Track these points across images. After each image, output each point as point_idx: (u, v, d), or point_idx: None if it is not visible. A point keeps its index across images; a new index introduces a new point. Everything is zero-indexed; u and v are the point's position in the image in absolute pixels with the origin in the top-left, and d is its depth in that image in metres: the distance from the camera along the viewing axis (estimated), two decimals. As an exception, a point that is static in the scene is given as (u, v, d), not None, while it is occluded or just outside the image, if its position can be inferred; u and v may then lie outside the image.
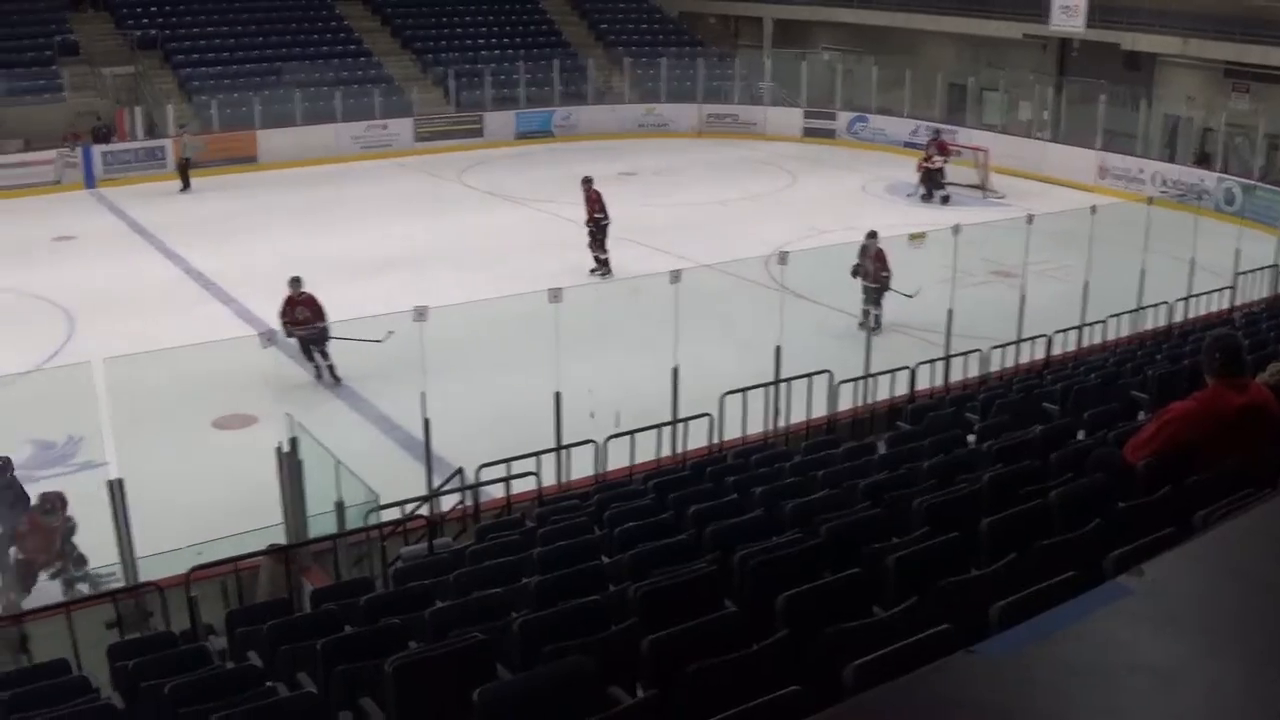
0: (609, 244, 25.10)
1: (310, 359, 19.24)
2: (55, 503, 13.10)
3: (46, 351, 20.97)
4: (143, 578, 11.71)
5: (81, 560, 13.03)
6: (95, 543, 12.66)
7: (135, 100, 39.44)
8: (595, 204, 25.11)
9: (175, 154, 36.84)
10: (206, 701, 6.86)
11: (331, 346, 18.99)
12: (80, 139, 37.48)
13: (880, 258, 20.63)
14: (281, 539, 12.31)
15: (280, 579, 10.99)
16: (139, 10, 42.87)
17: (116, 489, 11.92)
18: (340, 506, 12.55)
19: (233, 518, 12.66)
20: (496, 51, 43.62)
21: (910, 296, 19.61)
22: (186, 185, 35.95)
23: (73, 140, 37.30)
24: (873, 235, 20.88)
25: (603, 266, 25.00)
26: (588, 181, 25.33)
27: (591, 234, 25.15)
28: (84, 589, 12.64)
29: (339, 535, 12.28)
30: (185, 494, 14.67)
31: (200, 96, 39.78)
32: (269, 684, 7.50)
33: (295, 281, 19.76)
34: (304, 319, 19.23)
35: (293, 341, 18.88)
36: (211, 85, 40.12)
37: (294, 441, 12.69)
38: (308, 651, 7.65)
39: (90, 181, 36.68)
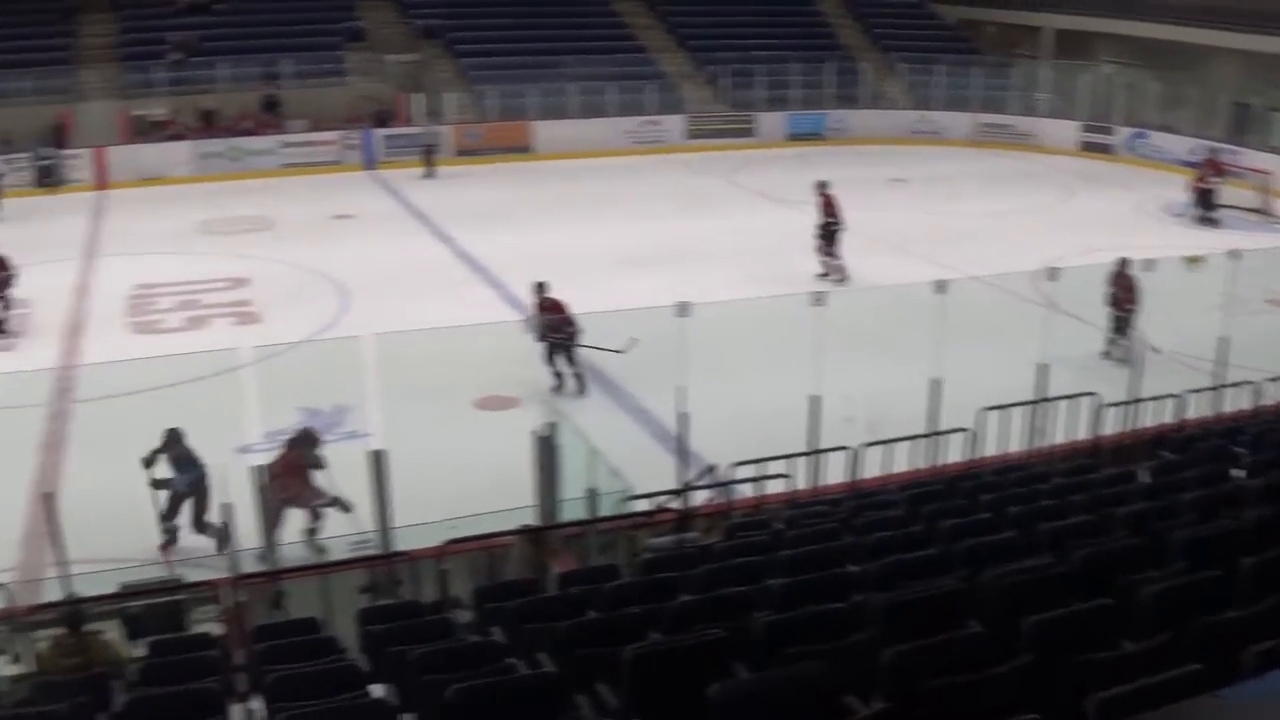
0: (841, 249, 24.79)
1: (551, 364, 18.50)
2: (308, 439, 13.65)
3: (321, 323, 21.78)
4: (397, 547, 12.08)
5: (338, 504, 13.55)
6: (355, 511, 13.11)
7: (416, 87, 40.64)
8: (829, 209, 24.88)
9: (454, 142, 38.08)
10: (448, 671, 7.06)
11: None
12: (362, 122, 38.81)
13: (1129, 286, 19.70)
14: (533, 521, 12.56)
15: (529, 560, 11.21)
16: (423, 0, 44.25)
17: (378, 460, 12.29)
18: (593, 494, 12.71)
19: (487, 496, 12.95)
20: (771, 52, 43.50)
21: (1156, 351, 18.55)
22: (430, 173, 37.09)
23: (355, 123, 38.63)
24: (1123, 262, 19.94)
25: (836, 272, 24.77)
26: (822, 185, 25.11)
27: (821, 239, 24.91)
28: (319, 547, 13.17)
29: (590, 521, 12.45)
30: (443, 469, 15.04)
31: (479, 86, 40.76)
32: (509, 660, 7.66)
33: (540, 286, 18.94)
34: (551, 325, 18.58)
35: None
36: (490, 75, 41.08)
37: (552, 426, 12.91)
38: (550, 632, 7.80)
39: (369, 163, 37.96)
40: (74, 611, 9.47)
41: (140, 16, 42.34)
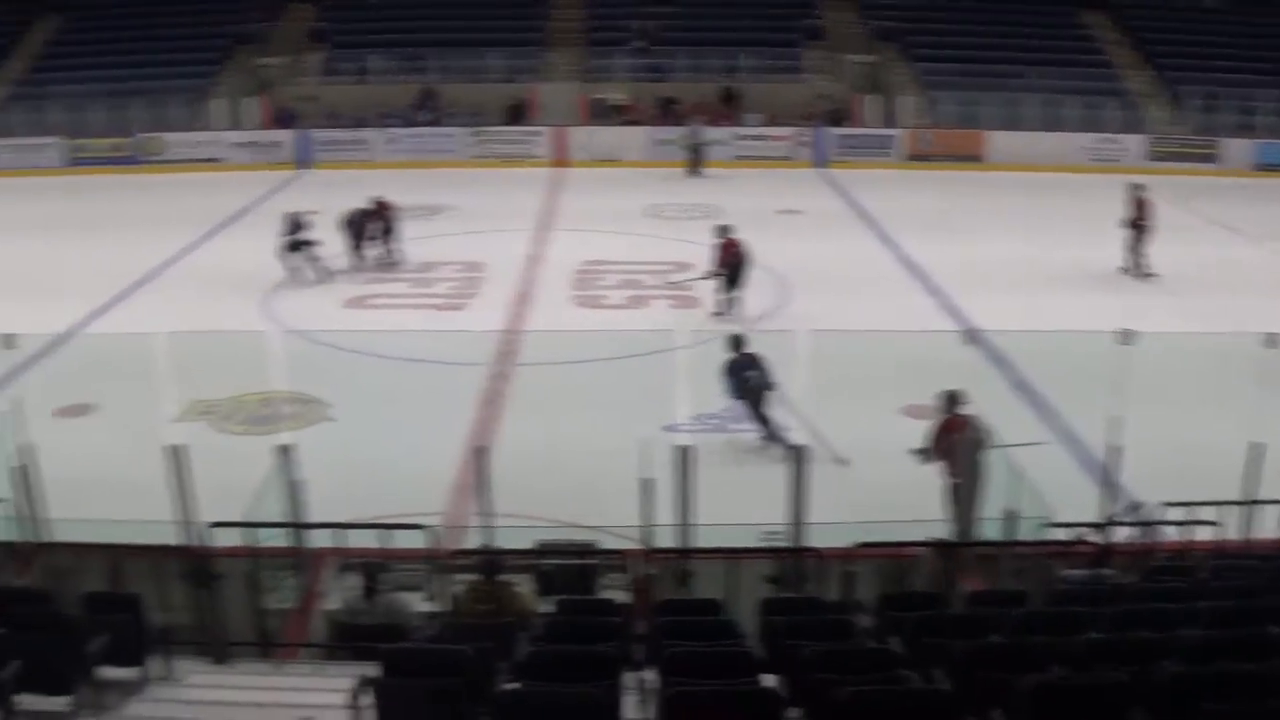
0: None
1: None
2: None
3: (756, 313, 22.02)
4: (808, 543, 12.10)
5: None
6: (769, 500, 13.18)
7: (871, 88, 40.69)
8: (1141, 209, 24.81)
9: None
10: (842, 672, 7.04)
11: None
12: (816, 120, 39.07)
13: None
14: (948, 535, 12.36)
15: (939, 574, 11.05)
16: (884, 2, 44.22)
17: (798, 454, 12.31)
18: (1011, 516, 12.41)
19: (902, 504, 12.85)
20: (1243, 75, 41.28)
21: None
22: (693, 170, 37.21)
23: (809, 120, 38.94)
24: None
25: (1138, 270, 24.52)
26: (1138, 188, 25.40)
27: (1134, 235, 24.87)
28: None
29: (1005, 544, 12.16)
30: (862, 472, 14.99)
31: (934, 91, 40.36)
32: (904, 671, 7.57)
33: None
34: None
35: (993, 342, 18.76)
36: (947, 81, 40.62)
37: (979, 443, 12.68)
38: (949, 649, 7.67)
39: (820, 161, 38.22)
40: (491, 561, 9.90)
41: (609, 3, 44.03)
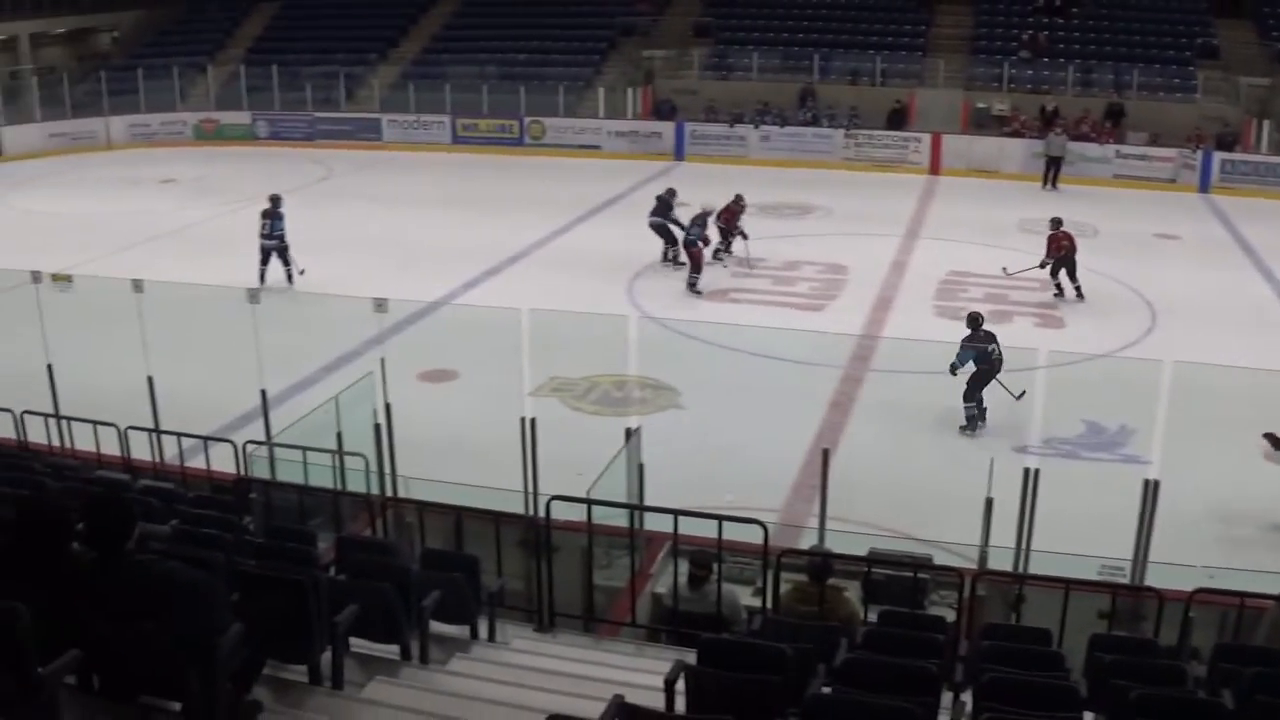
0: None
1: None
2: None
3: (1123, 340, 21.42)
4: (1148, 582, 11.70)
5: None
6: (1111, 533, 12.79)
7: (1265, 113, 38.59)
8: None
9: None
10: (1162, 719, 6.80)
11: None
12: (1203, 142, 37.48)
13: None
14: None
15: (1283, 630, 10.51)
16: (1287, 22, 41.99)
17: (1150, 489, 11.93)
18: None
19: (1251, 551, 12.33)
20: None
21: None
22: (1049, 184, 36.49)
23: (1195, 142, 37.39)
24: None
25: None
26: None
27: None
28: None
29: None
30: (1216, 513, 14.38)
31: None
32: (1231, 727, 7.27)
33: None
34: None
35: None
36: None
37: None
38: (1282, 710, 7.32)
39: (1204, 186, 36.61)
40: (822, 564, 9.90)
41: (997, 12, 43.45)
